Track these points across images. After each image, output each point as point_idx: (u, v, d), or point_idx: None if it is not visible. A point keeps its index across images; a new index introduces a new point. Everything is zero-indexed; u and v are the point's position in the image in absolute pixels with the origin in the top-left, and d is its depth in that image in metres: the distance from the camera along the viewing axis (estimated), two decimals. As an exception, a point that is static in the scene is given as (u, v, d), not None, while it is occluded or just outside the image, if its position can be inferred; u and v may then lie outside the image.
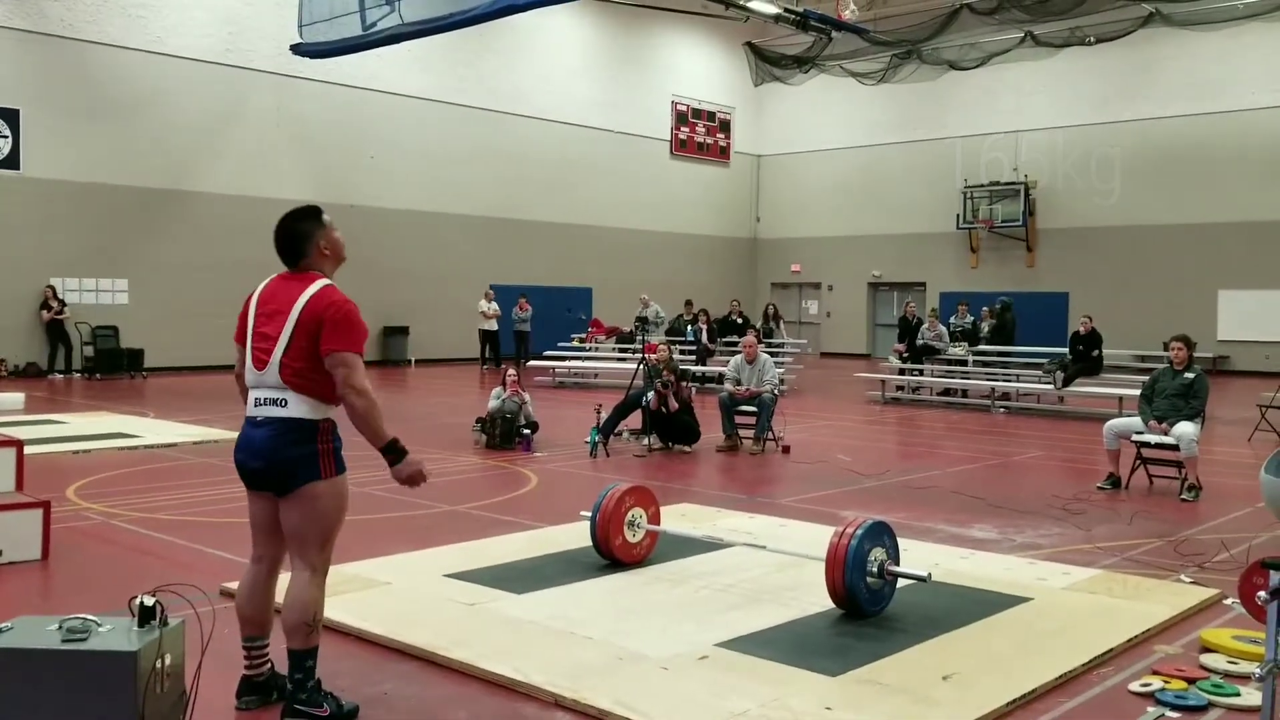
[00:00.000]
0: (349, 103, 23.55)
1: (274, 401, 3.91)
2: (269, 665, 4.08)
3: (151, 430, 12.16)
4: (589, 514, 6.25)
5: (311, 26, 16.47)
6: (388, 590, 5.59)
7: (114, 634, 3.22)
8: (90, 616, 3.29)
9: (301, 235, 4.07)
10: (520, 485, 9.32)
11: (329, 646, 4.75)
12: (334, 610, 5.14)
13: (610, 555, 6.16)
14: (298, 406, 3.89)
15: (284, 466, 3.88)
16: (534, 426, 11.54)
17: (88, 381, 19.14)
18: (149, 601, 3.26)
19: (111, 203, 20.33)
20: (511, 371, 12.07)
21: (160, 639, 3.21)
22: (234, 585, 5.53)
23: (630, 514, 6.26)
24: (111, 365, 19.87)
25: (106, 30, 20.30)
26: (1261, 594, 3.57)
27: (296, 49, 17.06)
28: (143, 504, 8.02)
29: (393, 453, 3.96)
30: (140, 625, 3.25)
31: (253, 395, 3.99)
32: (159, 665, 3.19)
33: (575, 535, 6.68)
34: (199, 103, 21.36)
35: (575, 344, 22.41)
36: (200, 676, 3.47)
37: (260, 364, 3.96)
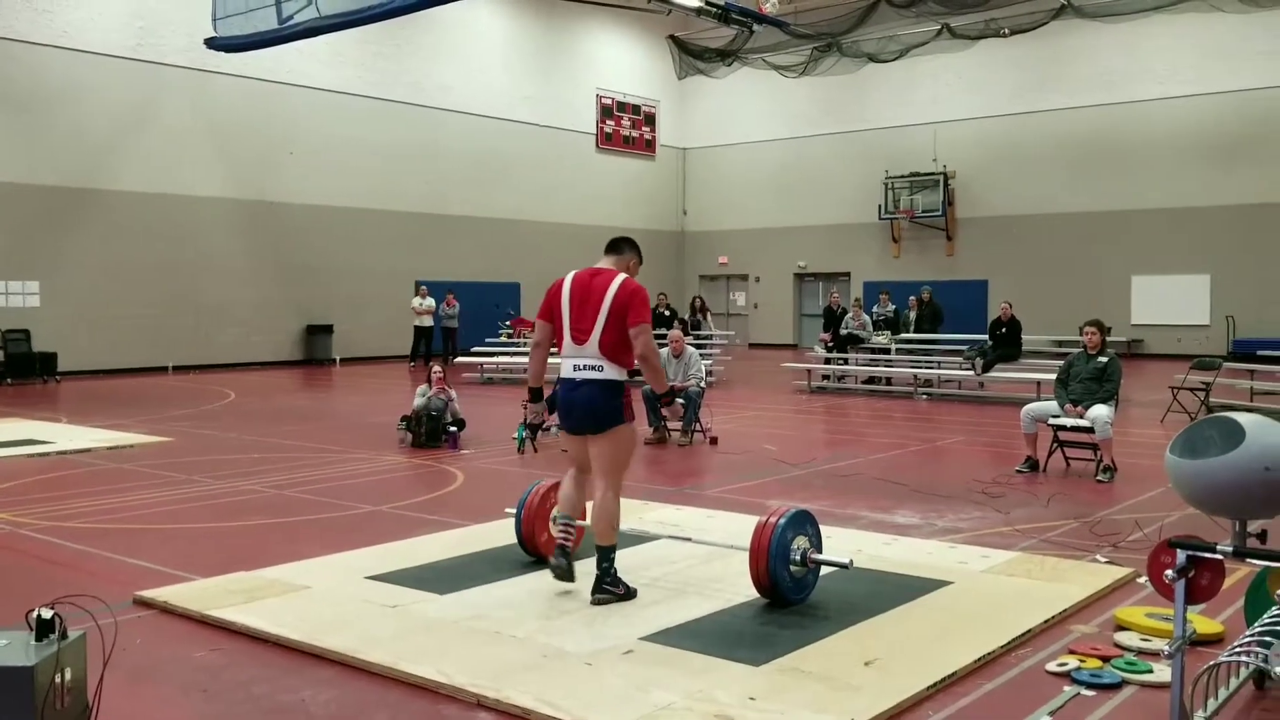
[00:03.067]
0: (267, 97, 23.08)
1: (592, 368, 5.37)
2: (573, 538, 5.54)
3: (64, 436, 11.81)
4: (514, 511, 6.20)
5: (226, 20, 16.13)
6: (307, 595, 5.47)
7: (10, 649, 3.10)
8: (-14, 631, 3.17)
9: (627, 244, 5.68)
10: (446, 483, 9.22)
11: (242, 654, 4.67)
12: (251, 616, 5.05)
13: (536, 552, 6.11)
14: (610, 371, 5.37)
15: (602, 414, 5.37)
16: (461, 424, 11.43)
17: (-2, 387, 18.54)
18: (47, 614, 3.15)
19: (20, 203, 19.69)
20: (437, 368, 11.92)
21: (59, 653, 3.10)
22: (148, 593, 5.44)
23: (555, 510, 6.20)
24: (23, 369, 19.25)
25: (11, 25, 19.64)
26: (1169, 573, 3.65)
27: (211, 43, 16.69)
28: (54, 512, 7.77)
29: (671, 394, 5.85)
30: (38, 639, 3.13)
31: (570, 363, 5.43)
32: (58, 680, 3.08)
33: (501, 533, 6.62)
34: (110, 99, 20.78)
35: (504, 339, 22.27)
36: (102, 689, 3.36)
37: (580, 340, 5.38)
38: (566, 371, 5.43)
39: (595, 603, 5.28)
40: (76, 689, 3.23)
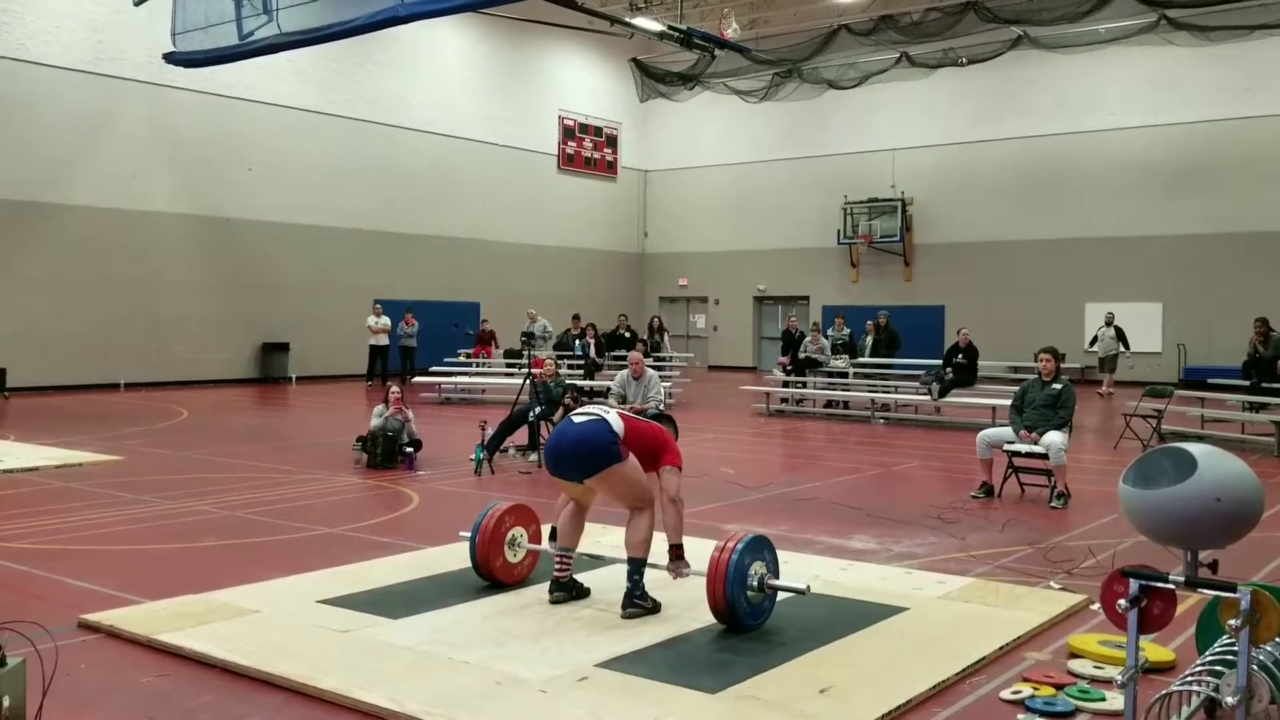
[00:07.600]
0: (226, 113, 22.86)
1: (600, 415, 5.79)
2: (570, 571, 5.79)
3: (11, 454, 11.56)
4: (468, 534, 6.14)
5: (185, 35, 15.94)
6: (256, 619, 5.38)
7: (-53, 677, 3.02)
8: (-78, 659, 3.08)
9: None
10: (401, 505, 9.13)
11: (190, 680, 4.58)
12: (198, 641, 4.96)
13: (490, 576, 6.06)
14: (615, 422, 5.72)
15: (595, 451, 5.63)
16: (417, 445, 11.33)
17: (-57, 403, 18.16)
18: (-15, 641, 3.07)
19: (-31, 215, 19.36)
20: (395, 388, 11.82)
21: (-2, 681, 3.02)
22: (93, 616, 5.32)
23: (511, 533, 6.16)
24: (-30, 386, 18.87)
25: (-35, 36, 19.36)
26: (1121, 602, 3.67)
27: (169, 58, 16.48)
28: (-3, 533, 7.60)
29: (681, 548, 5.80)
30: (-24, 667, 3.05)
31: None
32: (-3, 708, 3.00)
33: (455, 556, 6.56)
34: (66, 112, 20.49)
35: (462, 358, 22.16)
36: (42, 716, 3.28)
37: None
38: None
39: (626, 616, 5.45)
40: (16, 716, 3.14)
